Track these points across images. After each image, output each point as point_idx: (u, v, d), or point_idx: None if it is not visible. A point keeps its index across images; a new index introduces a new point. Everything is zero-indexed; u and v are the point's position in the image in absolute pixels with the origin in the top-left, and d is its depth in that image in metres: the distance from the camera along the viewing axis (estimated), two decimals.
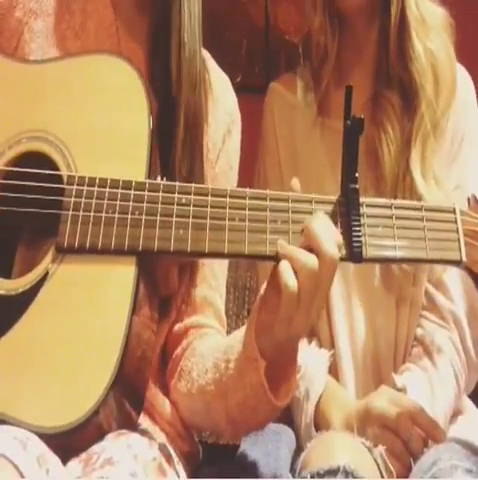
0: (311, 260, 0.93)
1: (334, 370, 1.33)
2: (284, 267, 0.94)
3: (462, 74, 1.39)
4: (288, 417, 1.29)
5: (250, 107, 1.40)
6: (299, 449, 1.18)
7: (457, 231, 0.99)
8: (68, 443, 0.91)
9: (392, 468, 1.12)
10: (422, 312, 1.34)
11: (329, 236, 0.94)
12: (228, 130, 1.24)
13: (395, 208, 1.00)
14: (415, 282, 1.32)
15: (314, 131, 1.38)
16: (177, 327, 1.18)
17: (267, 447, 1.18)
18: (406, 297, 1.32)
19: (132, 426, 1.01)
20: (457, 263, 0.99)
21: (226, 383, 1.04)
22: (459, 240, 0.99)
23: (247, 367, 1.00)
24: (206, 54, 1.25)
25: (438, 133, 1.32)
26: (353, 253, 0.96)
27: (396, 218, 0.99)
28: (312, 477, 1.00)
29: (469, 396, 1.40)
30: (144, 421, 1.10)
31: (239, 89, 1.29)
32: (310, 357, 1.27)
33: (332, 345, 1.33)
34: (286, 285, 0.93)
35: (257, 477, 1.12)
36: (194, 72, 1.14)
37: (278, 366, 1.01)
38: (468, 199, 1.03)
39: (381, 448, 1.13)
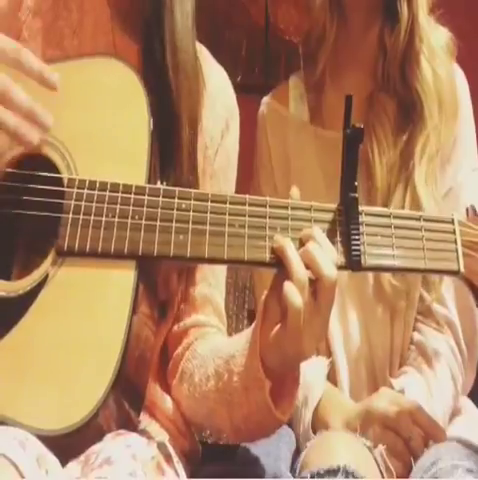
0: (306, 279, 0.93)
1: (332, 377, 1.33)
2: (289, 287, 0.94)
3: (457, 74, 1.39)
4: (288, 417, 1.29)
5: (250, 107, 1.40)
6: (298, 452, 1.18)
7: (455, 242, 0.99)
8: (68, 445, 0.91)
9: (392, 468, 1.12)
10: (417, 317, 1.34)
11: (327, 258, 0.94)
12: (226, 125, 1.23)
13: (394, 217, 1.00)
14: (408, 296, 1.32)
15: (307, 142, 1.38)
16: (177, 326, 1.18)
17: (267, 447, 1.19)
18: (400, 308, 1.33)
19: (132, 426, 1.01)
20: (455, 274, 0.99)
21: (231, 394, 1.04)
22: (457, 251, 0.99)
23: (252, 385, 1.00)
24: (203, 49, 1.25)
25: (440, 154, 1.33)
26: (352, 261, 0.96)
27: (395, 227, 0.99)
28: (312, 477, 1.01)
29: (469, 396, 1.40)
30: (144, 419, 1.11)
31: (239, 89, 1.29)
32: (308, 365, 1.27)
33: (329, 353, 1.34)
34: (293, 305, 0.93)
35: (257, 477, 1.12)
36: (190, 73, 1.14)
37: (282, 385, 1.01)
38: (466, 210, 1.03)
39: (381, 448, 1.13)
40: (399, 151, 1.32)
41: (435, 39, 1.35)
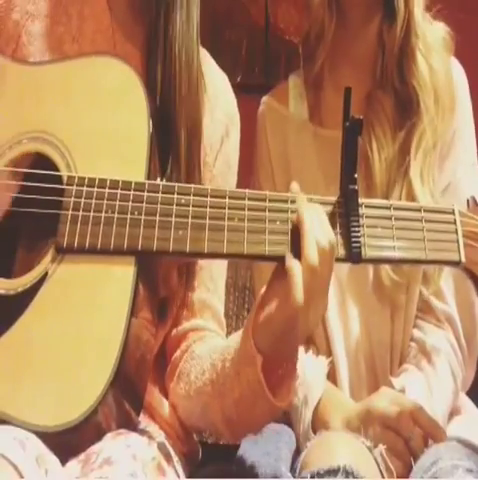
0: (313, 255, 0.93)
1: (332, 377, 1.32)
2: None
3: (455, 69, 1.39)
4: (288, 417, 1.29)
5: (250, 107, 1.40)
6: (298, 452, 1.18)
7: (456, 232, 1.00)
8: (67, 442, 0.91)
9: (392, 468, 1.12)
10: (417, 313, 1.34)
11: (321, 233, 0.95)
12: (226, 131, 1.23)
13: (394, 209, 1.00)
14: (408, 290, 1.32)
15: (306, 141, 1.38)
16: (176, 331, 1.18)
17: (267, 447, 1.18)
18: (400, 304, 1.32)
19: (131, 426, 1.02)
20: (456, 264, 1.00)
21: (223, 383, 1.04)
22: (458, 241, 0.99)
23: (244, 363, 1.00)
24: (204, 53, 1.24)
25: (437, 149, 1.33)
26: (352, 253, 0.97)
27: (395, 219, 1.00)
28: (312, 477, 1.00)
29: (469, 396, 1.40)
30: (144, 419, 1.10)
31: (239, 89, 1.29)
32: (308, 365, 1.27)
33: (329, 352, 1.33)
34: (290, 267, 0.93)
35: (257, 477, 1.12)
36: (193, 76, 1.14)
37: (276, 364, 1.01)
38: (467, 201, 1.04)
39: (381, 448, 1.13)
40: (397, 148, 1.32)
41: (431, 35, 1.35)
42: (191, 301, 1.18)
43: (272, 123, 1.41)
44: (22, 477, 0.82)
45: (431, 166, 1.31)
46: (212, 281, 1.20)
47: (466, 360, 1.33)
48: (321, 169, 1.36)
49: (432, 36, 1.35)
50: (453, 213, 1.01)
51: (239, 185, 1.26)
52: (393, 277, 1.28)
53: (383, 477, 1.10)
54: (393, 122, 1.33)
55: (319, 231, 0.95)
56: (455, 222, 1.00)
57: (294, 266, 0.93)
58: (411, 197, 1.28)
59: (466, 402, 1.38)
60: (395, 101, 1.34)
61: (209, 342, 1.16)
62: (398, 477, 1.12)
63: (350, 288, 1.34)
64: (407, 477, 1.13)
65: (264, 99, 1.44)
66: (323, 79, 1.38)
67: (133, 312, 0.96)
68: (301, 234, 0.95)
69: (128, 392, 0.98)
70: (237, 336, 1.04)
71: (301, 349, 1.28)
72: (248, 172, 1.42)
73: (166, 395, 1.17)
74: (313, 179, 1.34)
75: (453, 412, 1.33)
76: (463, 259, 0.99)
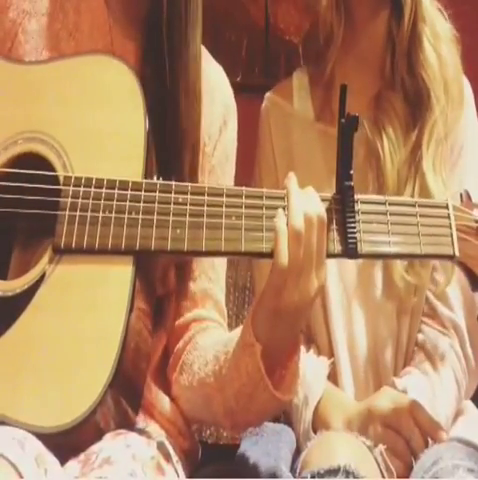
0: (298, 221, 0.95)
1: (334, 377, 1.32)
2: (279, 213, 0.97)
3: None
4: (288, 417, 1.28)
5: (250, 107, 1.40)
6: (299, 452, 1.18)
7: (450, 226, 1.01)
8: (66, 443, 0.91)
9: (392, 467, 1.12)
10: (423, 319, 1.33)
11: (309, 204, 0.96)
12: (224, 121, 1.23)
13: (389, 204, 1.01)
14: (417, 292, 1.31)
15: (312, 138, 1.38)
16: (178, 322, 1.17)
17: (267, 447, 1.18)
18: (407, 306, 1.32)
19: (130, 425, 1.02)
20: (450, 258, 1.01)
21: (224, 375, 1.04)
22: (452, 235, 1.00)
23: (243, 353, 1.00)
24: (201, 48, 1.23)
25: (448, 142, 1.32)
26: (348, 249, 0.98)
27: (390, 214, 1.01)
28: (312, 477, 1.00)
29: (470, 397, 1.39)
30: (143, 420, 1.10)
31: (239, 89, 1.29)
32: (309, 364, 1.27)
33: (331, 352, 1.33)
34: (277, 226, 0.95)
35: (257, 477, 1.12)
36: (190, 74, 1.14)
37: (276, 352, 1.01)
38: (460, 195, 1.05)
39: (381, 447, 1.12)
40: (410, 149, 1.32)
41: (440, 24, 1.33)
42: (193, 291, 1.18)
43: (276, 119, 1.41)
44: (21, 477, 0.82)
45: (443, 157, 1.31)
46: (214, 270, 1.20)
47: (470, 369, 1.32)
48: (327, 166, 1.35)
49: (441, 26, 1.34)
50: (447, 207, 1.02)
51: (239, 184, 1.26)
52: (406, 278, 1.28)
53: (383, 477, 1.10)
54: (405, 121, 1.33)
55: (307, 203, 0.97)
56: (449, 216, 1.01)
57: (281, 227, 0.95)
58: (425, 189, 1.28)
59: (467, 403, 1.37)
60: (405, 99, 1.33)
61: (212, 333, 1.16)
62: (398, 477, 1.12)
63: (356, 289, 1.33)
64: (408, 477, 1.12)
65: (267, 95, 1.44)
66: (334, 80, 1.37)
67: (132, 311, 0.96)
68: (287, 202, 0.97)
69: (126, 388, 0.98)
70: (240, 329, 1.04)
71: (302, 349, 1.28)
72: (248, 172, 1.42)
73: (167, 393, 1.16)
74: (318, 176, 1.33)
75: (455, 413, 1.32)
76: (457, 253, 1.00)
